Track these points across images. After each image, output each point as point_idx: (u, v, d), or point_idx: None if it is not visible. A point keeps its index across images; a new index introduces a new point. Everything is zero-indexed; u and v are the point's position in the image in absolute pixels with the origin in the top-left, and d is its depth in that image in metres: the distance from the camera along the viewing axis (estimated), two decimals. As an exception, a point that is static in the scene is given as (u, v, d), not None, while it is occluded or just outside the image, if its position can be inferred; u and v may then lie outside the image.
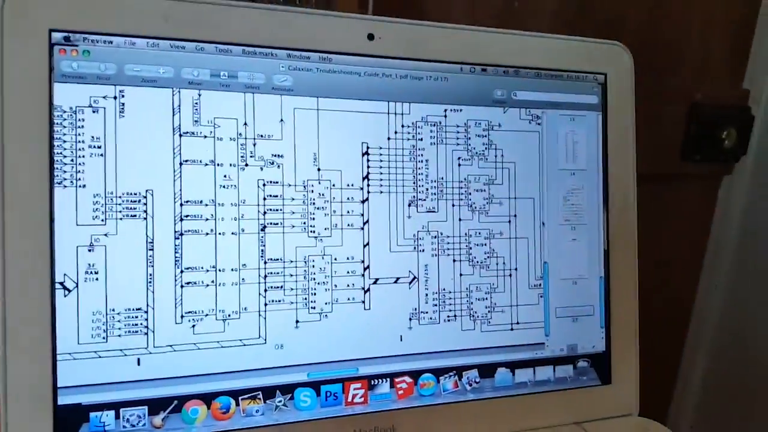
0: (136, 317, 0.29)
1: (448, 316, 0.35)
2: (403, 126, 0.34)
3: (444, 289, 0.35)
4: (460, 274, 0.35)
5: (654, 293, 0.53)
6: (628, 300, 0.39)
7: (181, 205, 0.30)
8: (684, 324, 0.56)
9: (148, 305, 0.29)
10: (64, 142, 0.28)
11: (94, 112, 0.29)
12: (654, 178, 0.51)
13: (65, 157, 0.28)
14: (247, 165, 0.31)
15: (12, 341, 0.27)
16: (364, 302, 0.33)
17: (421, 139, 0.35)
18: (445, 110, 0.35)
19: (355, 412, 0.33)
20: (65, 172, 0.28)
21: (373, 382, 0.33)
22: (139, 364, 0.29)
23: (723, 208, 0.55)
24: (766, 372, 0.50)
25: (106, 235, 0.29)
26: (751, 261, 0.52)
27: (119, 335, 0.29)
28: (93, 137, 0.29)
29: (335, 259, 0.33)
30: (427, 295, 0.34)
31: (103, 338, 0.29)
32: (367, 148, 0.33)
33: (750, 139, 0.53)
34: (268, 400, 0.31)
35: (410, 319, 0.34)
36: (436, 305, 0.35)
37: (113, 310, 0.29)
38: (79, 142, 0.28)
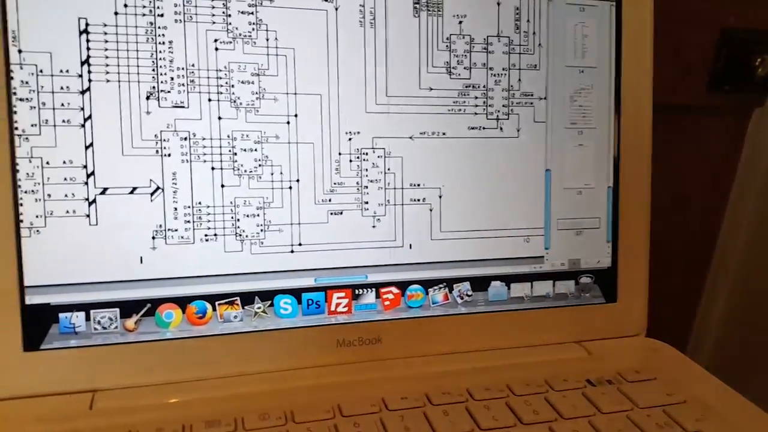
0: None
1: (206, 235, 0.29)
2: (135, -3, 0.27)
3: (200, 203, 0.29)
4: (222, 185, 0.29)
5: (676, 230, 0.51)
6: (639, 213, 0.35)
7: None
8: (706, 262, 0.53)
9: None
10: None
11: None
12: (678, 110, 0.46)
13: None
14: None
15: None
16: (89, 216, 0.27)
17: (162, 15, 0.28)
18: (193, -24, 0.28)
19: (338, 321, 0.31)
20: None
21: (357, 292, 0.31)
22: None
23: (752, 143, 0.49)
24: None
25: None
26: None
27: None
28: None
29: (47, 162, 0.27)
30: (176, 209, 0.28)
31: None
32: (86, 24, 0.27)
33: (787, 68, 0.47)
34: None
35: (153, 238, 0.28)
36: (188, 221, 0.29)
37: None
38: None
